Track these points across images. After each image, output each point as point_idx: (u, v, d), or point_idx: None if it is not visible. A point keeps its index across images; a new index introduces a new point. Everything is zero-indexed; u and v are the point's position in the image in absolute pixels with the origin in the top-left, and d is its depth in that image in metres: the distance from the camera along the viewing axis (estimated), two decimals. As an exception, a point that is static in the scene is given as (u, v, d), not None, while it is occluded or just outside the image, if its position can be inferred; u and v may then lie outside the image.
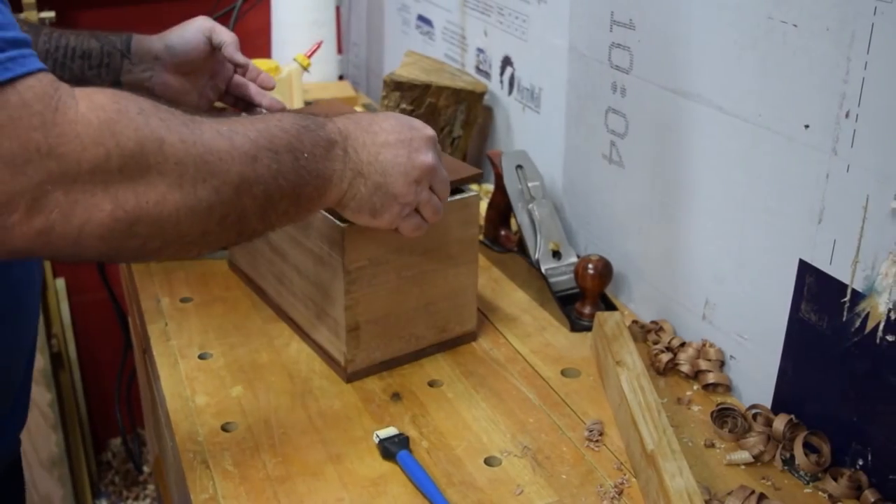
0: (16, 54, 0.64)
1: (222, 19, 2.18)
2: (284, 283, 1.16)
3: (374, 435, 0.97)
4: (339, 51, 2.22)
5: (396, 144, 0.91)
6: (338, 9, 2.15)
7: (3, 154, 0.62)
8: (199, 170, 0.73)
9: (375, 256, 1.03)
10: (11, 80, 0.63)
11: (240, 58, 1.21)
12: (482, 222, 1.40)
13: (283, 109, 1.25)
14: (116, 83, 1.17)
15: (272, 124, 0.82)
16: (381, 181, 0.91)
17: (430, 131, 0.95)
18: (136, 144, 0.68)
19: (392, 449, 0.94)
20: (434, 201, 0.96)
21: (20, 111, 0.63)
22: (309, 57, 1.65)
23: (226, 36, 1.21)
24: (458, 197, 1.07)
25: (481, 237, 1.40)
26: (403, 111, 1.42)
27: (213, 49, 1.21)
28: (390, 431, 0.97)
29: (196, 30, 1.20)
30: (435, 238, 1.06)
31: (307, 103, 1.79)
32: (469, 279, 1.12)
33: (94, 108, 0.66)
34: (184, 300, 1.24)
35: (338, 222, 0.99)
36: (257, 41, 2.17)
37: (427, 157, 0.93)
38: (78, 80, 1.14)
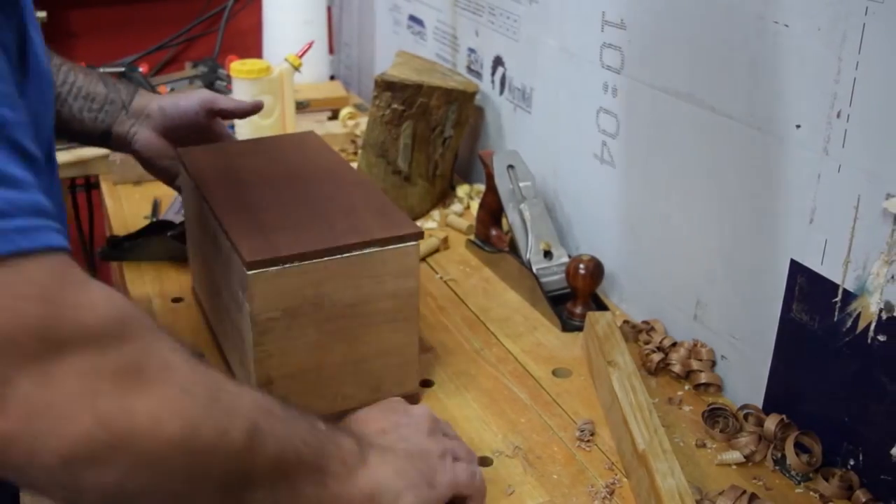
0: (25, 224, 0.53)
1: (214, 19, 2.18)
2: (221, 322, 1.09)
3: (366, 435, 0.96)
4: (331, 51, 2.22)
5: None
6: (329, 9, 2.15)
7: None
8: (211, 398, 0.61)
9: (290, 308, 0.92)
10: (15, 255, 0.52)
11: (258, 103, 1.24)
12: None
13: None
14: (107, 131, 1.17)
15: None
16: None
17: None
18: (142, 354, 0.58)
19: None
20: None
21: (18, 289, 0.52)
22: (300, 57, 1.65)
23: (226, 101, 1.22)
24: (391, 247, 0.95)
25: (472, 237, 1.40)
26: (395, 111, 1.42)
27: (210, 120, 1.21)
28: (381, 432, 0.96)
29: (193, 99, 1.20)
30: (363, 291, 0.95)
31: (299, 104, 1.78)
32: (407, 336, 1.00)
33: (109, 300, 0.57)
34: (175, 300, 1.24)
35: (244, 268, 0.90)
36: (248, 41, 2.16)
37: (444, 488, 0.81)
38: (73, 119, 1.14)
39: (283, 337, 0.93)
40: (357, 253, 0.93)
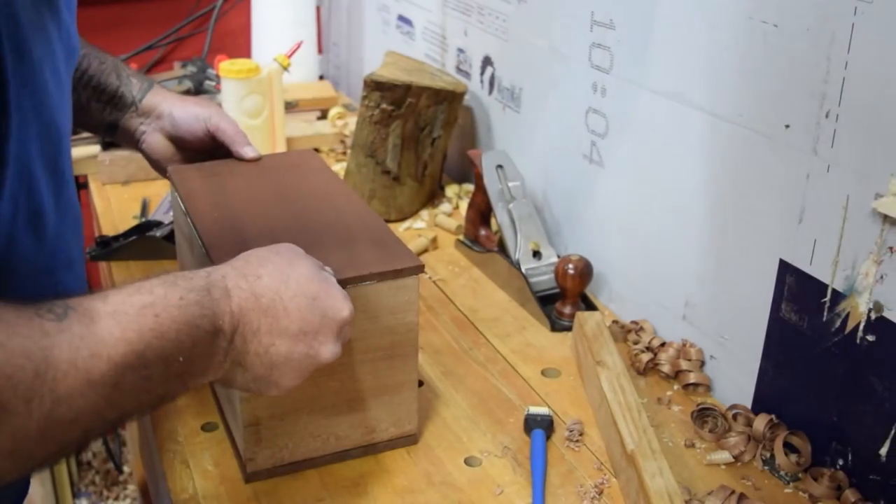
0: None
1: (203, 19, 2.18)
2: None
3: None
4: (320, 51, 2.21)
5: (297, 336, 0.76)
6: (318, 9, 2.14)
7: None
8: (42, 438, 0.59)
9: None
10: None
11: (251, 153, 1.14)
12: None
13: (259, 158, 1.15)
14: (114, 124, 1.15)
15: (150, 323, 0.65)
16: (263, 374, 0.76)
17: (345, 313, 0.79)
18: None
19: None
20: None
21: None
22: (289, 57, 1.64)
23: (230, 135, 1.14)
24: (389, 282, 0.89)
25: (461, 237, 1.40)
26: (384, 111, 1.41)
27: (214, 139, 1.16)
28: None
29: (202, 119, 1.15)
30: (359, 327, 0.89)
31: (288, 104, 1.78)
32: (406, 374, 0.94)
33: None
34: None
35: None
36: (237, 41, 2.16)
37: (327, 352, 0.78)
38: (79, 107, 1.07)
39: None
40: (352, 287, 0.86)
